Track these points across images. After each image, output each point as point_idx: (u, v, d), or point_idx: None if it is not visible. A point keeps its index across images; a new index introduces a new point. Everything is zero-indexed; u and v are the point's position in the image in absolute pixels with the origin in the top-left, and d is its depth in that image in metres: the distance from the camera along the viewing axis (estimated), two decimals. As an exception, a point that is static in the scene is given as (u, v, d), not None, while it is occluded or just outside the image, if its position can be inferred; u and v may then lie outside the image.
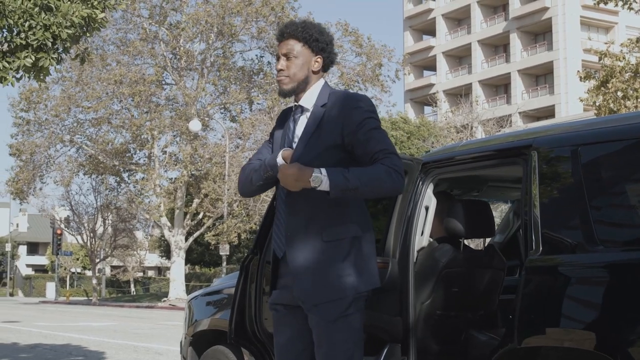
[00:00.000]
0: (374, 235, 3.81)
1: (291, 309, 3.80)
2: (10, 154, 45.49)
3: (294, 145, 3.80)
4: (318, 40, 3.82)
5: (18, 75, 7.56)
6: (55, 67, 7.63)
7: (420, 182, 4.83)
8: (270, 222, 4.49)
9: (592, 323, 3.63)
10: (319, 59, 3.84)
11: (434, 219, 4.95)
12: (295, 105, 3.90)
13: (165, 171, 44.89)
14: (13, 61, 7.20)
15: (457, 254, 4.80)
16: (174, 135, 44.24)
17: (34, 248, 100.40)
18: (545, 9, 65.07)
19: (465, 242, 5.04)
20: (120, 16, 42.58)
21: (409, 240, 4.71)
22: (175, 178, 44.22)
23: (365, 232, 3.72)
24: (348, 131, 3.65)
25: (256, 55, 54.22)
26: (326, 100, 3.77)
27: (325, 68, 3.89)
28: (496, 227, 5.90)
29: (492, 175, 5.47)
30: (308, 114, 3.82)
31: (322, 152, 3.67)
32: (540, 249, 3.92)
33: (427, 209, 4.84)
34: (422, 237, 4.83)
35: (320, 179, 3.49)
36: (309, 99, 3.83)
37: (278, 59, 3.87)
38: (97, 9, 7.41)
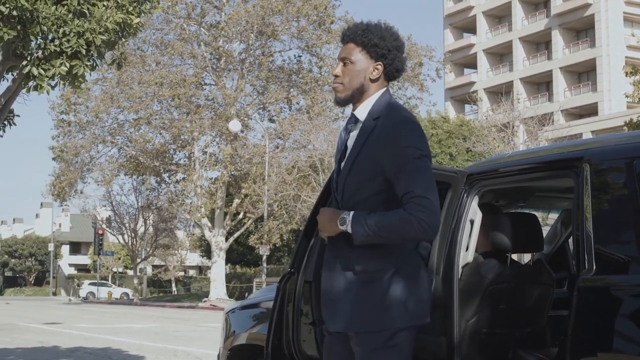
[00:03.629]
0: (420, 264, 3.55)
1: (339, 334, 3.62)
2: (53, 158, 45.81)
3: (345, 160, 3.60)
4: (377, 46, 3.51)
5: (53, 83, 7.47)
6: (90, 74, 7.53)
7: (465, 195, 4.62)
8: (308, 239, 4.33)
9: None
10: (378, 66, 3.54)
11: (479, 233, 4.74)
12: (352, 113, 3.64)
13: (206, 171, 45.01)
14: (48, 69, 7.10)
15: (504, 270, 4.58)
16: (214, 136, 44.31)
17: (76, 248, 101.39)
18: (588, 5, 64.27)
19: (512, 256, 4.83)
20: (158, 17, 42.75)
21: (453, 255, 4.52)
22: (216, 178, 44.30)
23: (406, 263, 3.46)
24: (387, 160, 3.40)
25: (295, 54, 54.07)
26: (380, 114, 3.50)
27: (389, 76, 3.59)
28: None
29: (540, 186, 5.25)
30: (360, 126, 3.57)
31: (366, 179, 3.46)
32: (594, 267, 3.71)
33: (472, 222, 4.63)
34: (467, 253, 4.62)
35: (346, 221, 3.39)
36: (364, 109, 3.56)
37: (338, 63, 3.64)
38: (132, 14, 7.30)
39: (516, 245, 4.61)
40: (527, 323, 4.75)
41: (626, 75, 26.73)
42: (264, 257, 41.49)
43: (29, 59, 7.27)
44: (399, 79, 3.80)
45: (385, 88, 3.59)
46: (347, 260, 3.49)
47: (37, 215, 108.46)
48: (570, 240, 6.12)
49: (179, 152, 45.92)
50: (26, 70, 7.18)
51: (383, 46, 3.52)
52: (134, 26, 7.34)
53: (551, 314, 4.92)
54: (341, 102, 3.62)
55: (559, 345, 3.81)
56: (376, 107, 3.53)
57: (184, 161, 46.06)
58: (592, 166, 3.92)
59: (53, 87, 7.47)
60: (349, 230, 3.36)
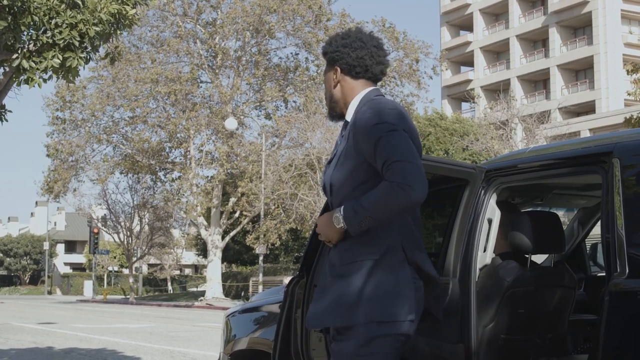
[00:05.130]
0: (402, 263, 3.31)
1: None
2: (47, 155, 45.51)
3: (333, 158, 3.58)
4: (327, 52, 3.61)
5: (46, 76, 7.19)
6: (84, 67, 7.24)
7: (482, 192, 4.35)
8: (317, 242, 4.06)
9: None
10: (336, 71, 3.59)
11: (497, 233, 4.47)
12: (345, 120, 3.63)
13: (202, 169, 44.82)
14: (40, 61, 6.82)
15: (524, 272, 4.31)
16: (210, 134, 44.07)
17: (71, 246, 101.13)
18: (585, 2, 64.09)
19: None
20: (154, 14, 42.62)
21: (470, 257, 4.25)
22: (212, 177, 44.08)
23: (387, 259, 3.28)
24: (363, 143, 3.33)
25: (291, 52, 53.97)
26: (361, 108, 3.46)
27: (352, 75, 3.56)
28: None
29: (558, 183, 4.98)
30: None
31: (351, 170, 3.39)
32: (626, 270, 3.45)
33: (490, 222, 4.36)
34: (484, 254, 4.34)
35: (339, 219, 3.29)
36: (350, 111, 3.54)
37: None
38: (128, 4, 7.01)
39: (537, 246, 4.34)
40: (547, 328, 4.49)
41: (627, 74, 26.40)
42: (261, 257, 41.26)
43: (20, 51, 6.99)
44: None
45: (371, 88, 3.57)
46: (330, 256, 3.43)
47: (32, 214, 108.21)
48: (587, 240, 5.87)
49: (175, 150, 45.74)
50: (16, 63, 6.90)
51: (331, 50, 3.59)
52: (129, 17, 7.06)
53: (572, 319, 4.67)
54: (328, 117, 3.73)
55: (589, 352, 3.54)
56: (360, 104, 3.50)
57: (180, 159, 45.85)
58: (623, 162, 3.66)
59: (45, 81, 7.20)
60: (343, 224, 3.27)
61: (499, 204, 4.45)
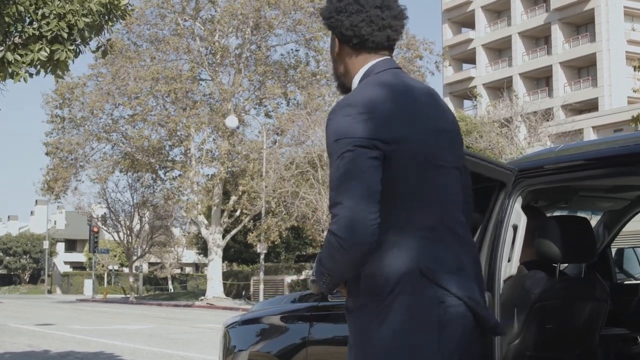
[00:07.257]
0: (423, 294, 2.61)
1: None
2: (46, 153, 45.22)
3: None
4: (324, 17, 2.88)
5: (34, 71, 6.80)
6: (73, 61, 6.85)
7: (507, 196, 3.94)
8: None
9: None
10: (336, 40, 2.89)
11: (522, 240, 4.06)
12: None
13: (202, 168, 44.56)
14: (26, 54, 6.43)
15: (553, 283, 3.91)
16: (210, 132, 43.80)
17: (71, 245, 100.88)
18: (588, -1, 63.81)
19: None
20: (153, 12, 42.48)
21: (493, 267, 3.85)
22: (212, 175, 43.84)
23: (403, 290, 2.58)
24: None
25: (292, 49, 53.52)
26: None
27: (350, 45, 2.82)
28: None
29: (585, 185, 4.58)
30: None
31: None
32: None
33: (515, 228, 3.94)
34: (509, 264, 3.93)
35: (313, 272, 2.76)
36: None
37: None
38: (120, -6, 6.63)
39: (566, 254, 3.92)
40: (577, 344, 4.10)
41: (634, 70, 26.09)
42: (262, 255, 40.93)
43: (4, 44, 6.62)
44: (387, 44, 2.85)
45: (374, 61, 2.83)
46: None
47: (32, 213, 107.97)
48: (613, 246, 5.48)
49: (175, 148, 45.50)
50: (0, 55, 6.52)
51: (329, 16, 2.85)
52: (122, 8, 6.66)
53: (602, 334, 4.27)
54: (338, 90, 3.00)
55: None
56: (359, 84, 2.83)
57: (180, 158, 45.59)
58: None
59: (32, 75, 6.80)
60: (311, 282, 2.81)
61: (524, 208, 4.05)
